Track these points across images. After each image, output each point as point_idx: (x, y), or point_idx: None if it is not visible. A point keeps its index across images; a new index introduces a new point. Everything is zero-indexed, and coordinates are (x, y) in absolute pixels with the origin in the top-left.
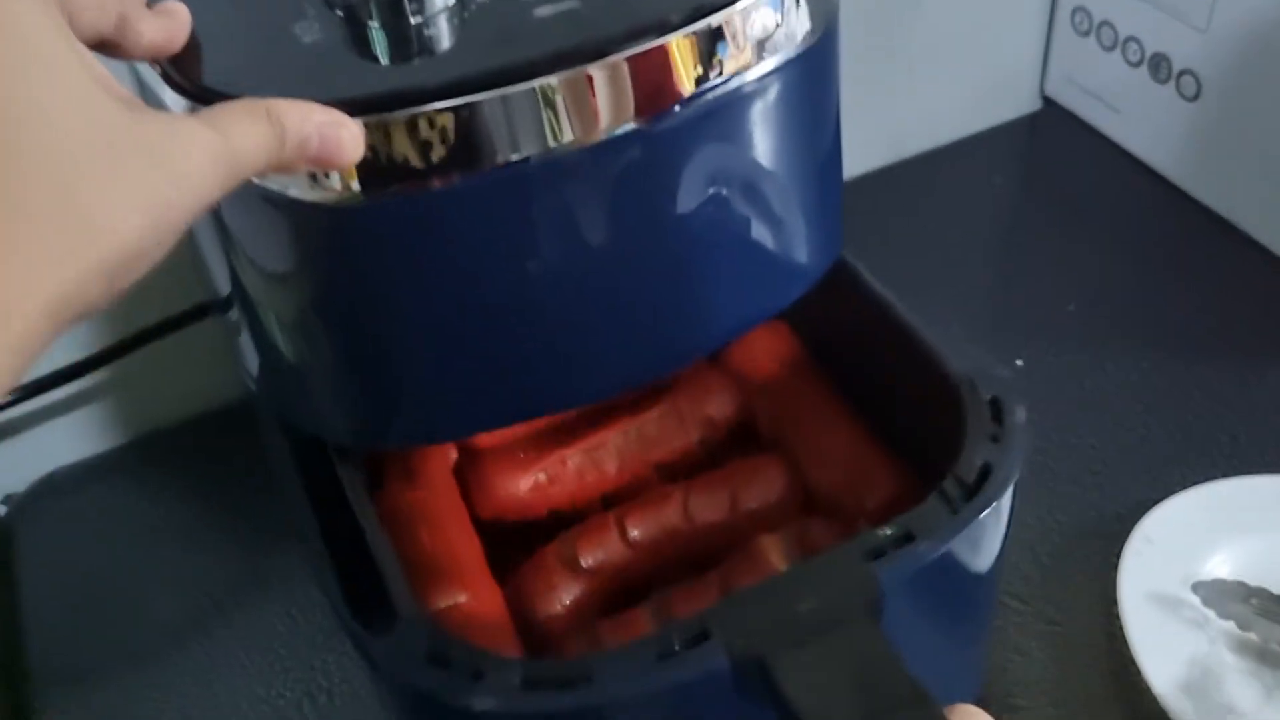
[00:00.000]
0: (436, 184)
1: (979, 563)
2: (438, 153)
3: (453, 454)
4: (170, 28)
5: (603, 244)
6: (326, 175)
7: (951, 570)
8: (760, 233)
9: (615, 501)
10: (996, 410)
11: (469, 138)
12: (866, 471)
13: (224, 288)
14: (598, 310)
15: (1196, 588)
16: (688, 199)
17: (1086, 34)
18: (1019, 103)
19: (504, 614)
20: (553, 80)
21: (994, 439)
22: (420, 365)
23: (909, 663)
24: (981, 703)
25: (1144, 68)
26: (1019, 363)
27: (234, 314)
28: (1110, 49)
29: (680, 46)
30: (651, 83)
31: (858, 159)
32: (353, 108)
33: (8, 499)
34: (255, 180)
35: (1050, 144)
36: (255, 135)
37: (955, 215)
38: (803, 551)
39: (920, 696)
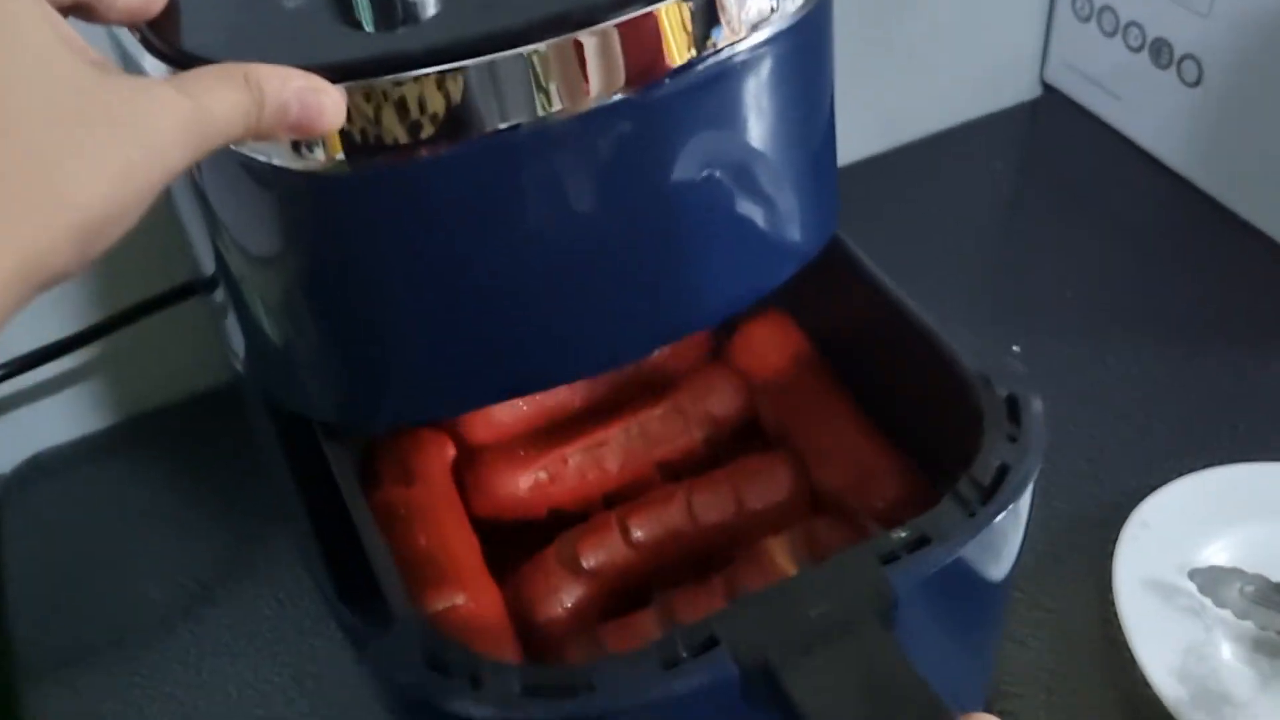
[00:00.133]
0: (422, 153)
1: (994, 567)
2: (423, 121)
3: (450, 451)
4: None
5: (592, 216)
6: (310, 145)
7: (966, 575)
8: (753, 207)
9: (617, 501)
10: (1013, 408)
11: (455, 105)
12: (875, 471)
13: (209, 265)
14: (587, 284)
15: (1193, 575)
16: (678, 171)
17: (1087, 19)
18: (1019, 89)
19: (503, 616)
20: (541, 47)
21: (1011, 439)
22: (406, 339)
23: (918, 670)
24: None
25: (1145, 53)
26: (1016, 349)
27: (219, 293)
28: (1111, 34)
29: (671, 14)
30: (642, 51)
31: (856, 145)
32: (335, 74)
33: None
34: (237, 149)
35: (1050, 131)
36: (231, 101)
37: (954, 202)
38: (810, 553)
39: (935, 707)
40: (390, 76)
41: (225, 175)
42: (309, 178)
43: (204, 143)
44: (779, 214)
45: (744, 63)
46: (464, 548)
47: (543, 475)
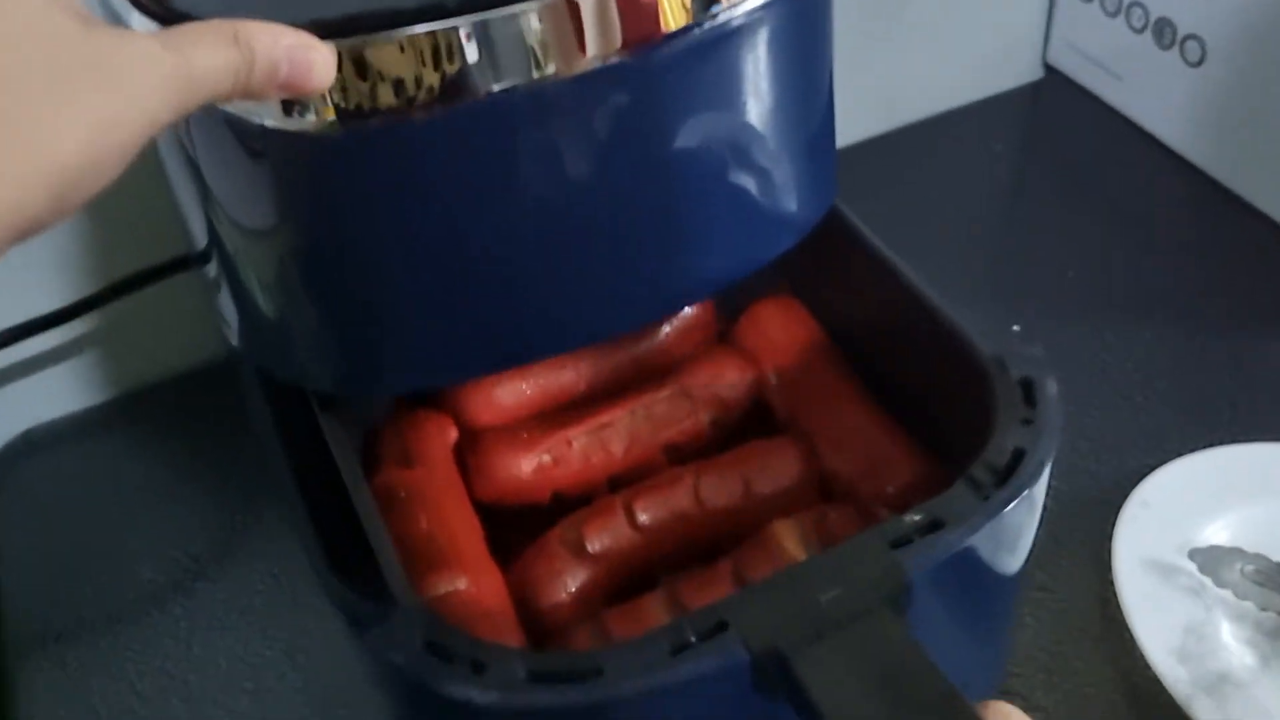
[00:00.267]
0: (414, 114)
1: (1008, 553)
2: (415, 81)
3: (452, 433)
4: None
5: (586, 183)
6: (302, 106)
7: (980, 561)
8: (749, 176)
9: (622, 485)
10: (1028, 391)
11: (447, 65)
12: (886, 456)
13: (201, 236)
14: (582, 252)
15: (1193, 554)
16: (674, 137)
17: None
18: (1020, 71)
19: (505, 601)
20: (535, 5)
21: (1026, 422)
22: (400, 305)
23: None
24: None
25: (1148, 33)
26: (1015, 329)
27: (212, 265)
28: (1113, 14)
29: None
30: (639, 13)
31: (856, 125)
32: (325, 31)
33: None
34: (228, 110)
35: (1052, 112)
36: (219, 59)
37: (955, 184)
38: (819, 539)
39: (951, 694)
40: (381, 34)
41: (216, 138)
42: (301, 139)
43: (189, 99)
44: (776, 184)
45: (742, 28)
46: (465, 531)
47: (546, 458)
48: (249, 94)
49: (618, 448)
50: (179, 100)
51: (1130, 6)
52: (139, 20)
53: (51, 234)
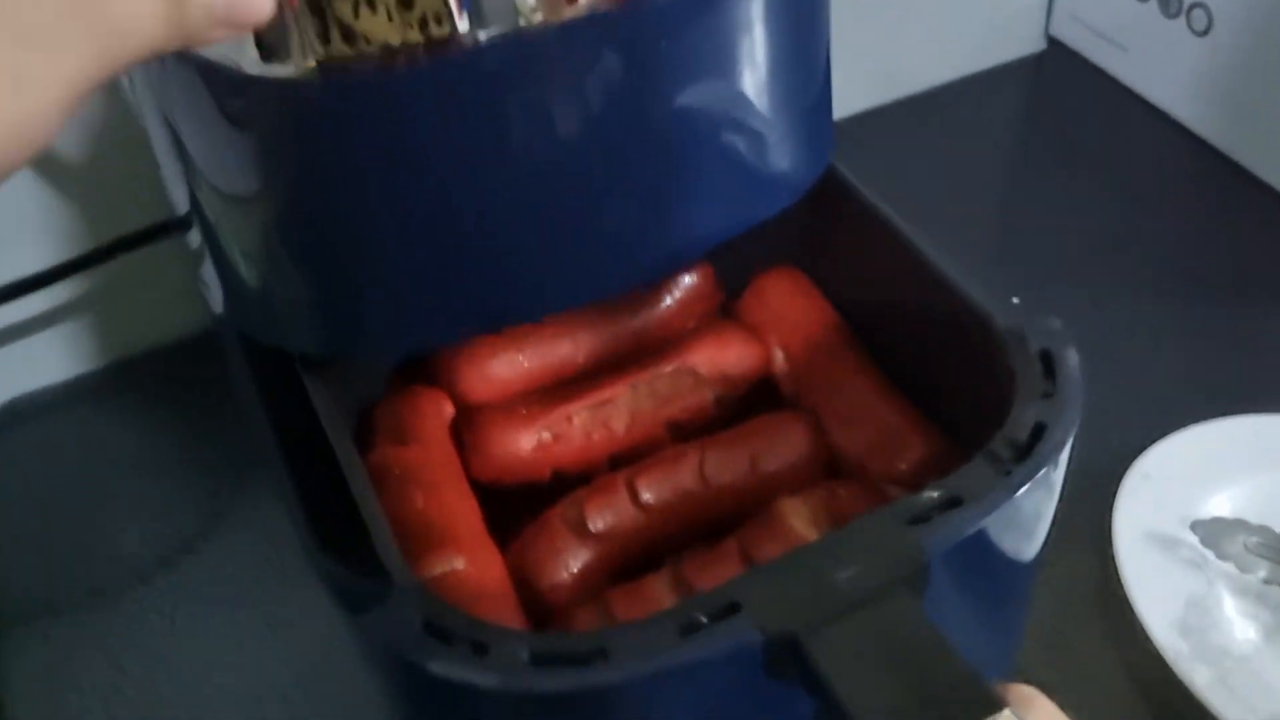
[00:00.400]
0: (394, 61)
1: (1029, 532)
2: (393, 26)
3: (449, 410)
4: None
5: (574, 135)
6: (282, 53)
7: (1000, 540)
8: (742, 133)
9: (624, 463)
10: (1048, 364)
11: (429, 9)
12: (896, 432)
13: (181, 197)
14: (569, 206)
15: (1195, 526)
16: (665, 89)
17: None
18: (1023, 42)
19: (505, 582)
20: None
21: (1046, 395)
22: (381, 261)
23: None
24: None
25: (1153, 2)
26: (1015, 300)
27: (193, 227)
28: None
29: None
30: None
31: (857, 96)
32: None
33: None
34: (206, 55)
35: (1055, 85)
36: (143, 4)
37: (956, 156)
38: (828, 517)
39: (973, 677)
40: None
41: (192, 89)
42: (279, 87)
43: (117, 54)
44: (770, 141)
45: None
46: (463, 509)
47: (546, 435)
48: (189, 38)
49: (619, 424)
50: (103, 57)
51: None
52: None
53: (37, 197)
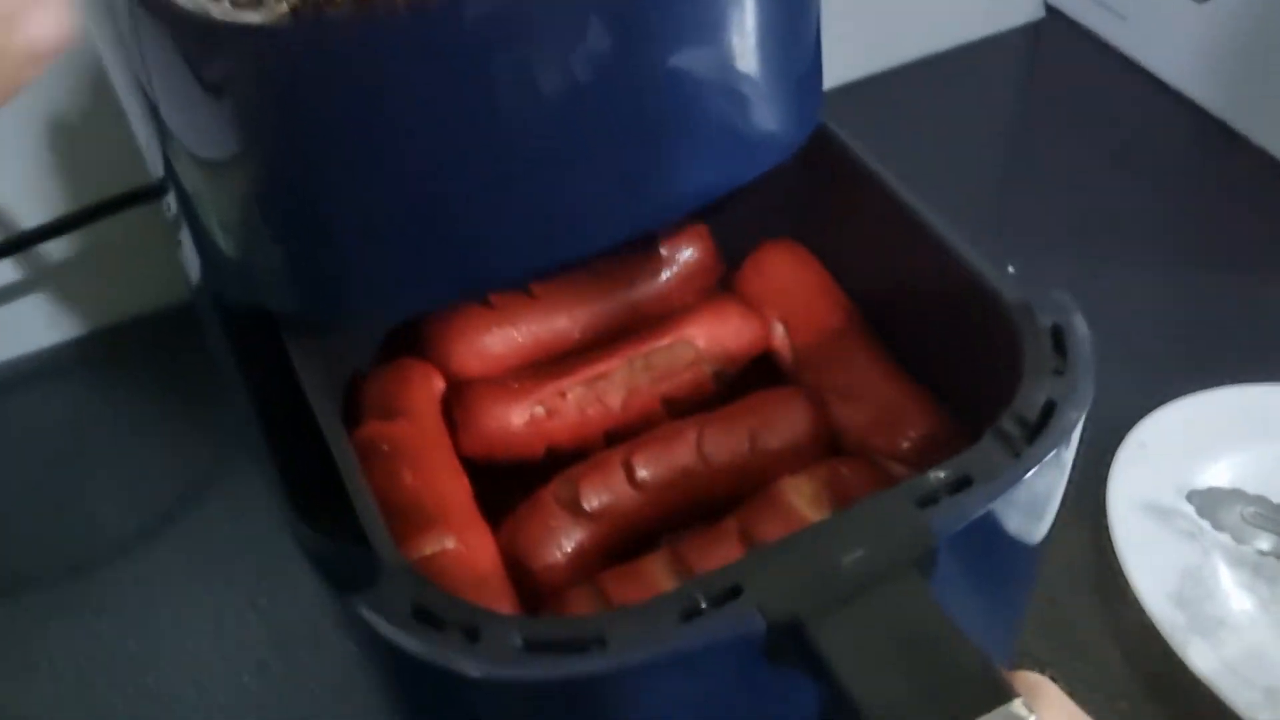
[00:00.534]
0: (369, 7)
1: (1040, 512)
2: None
3: (438, 384)
4: None
5: (554, 87)
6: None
7: (1010, 521)
8: (729, 86)
9: (620, 439)
10: (1059, 339)
11: None
12: (900, 408)
13: (154, 155)
14: (553, 160)
15: (1191, 497)
16: (646, 43)
17: None
18: (1021, 10)
19: (496, 562)
20: None
21: (1057, 372)
22: (359, 216)
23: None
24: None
25: None
26: (1010, 269)
27: (169, 189)
28: None
29: None
30: None
31: (854, 65)
32: None
33: None
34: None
35: (1053, 54)
36: None
37: (953, 124)
38: (831, 496)
39: (982, 664)
40: None
41: (163, 40)
42: (252, 33)
43: None
44: (755, 100)
45: None
46: (453, 487)
47: (539, 410)
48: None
49: (615, 400)
50: None
51: None
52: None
53: (14, 159)
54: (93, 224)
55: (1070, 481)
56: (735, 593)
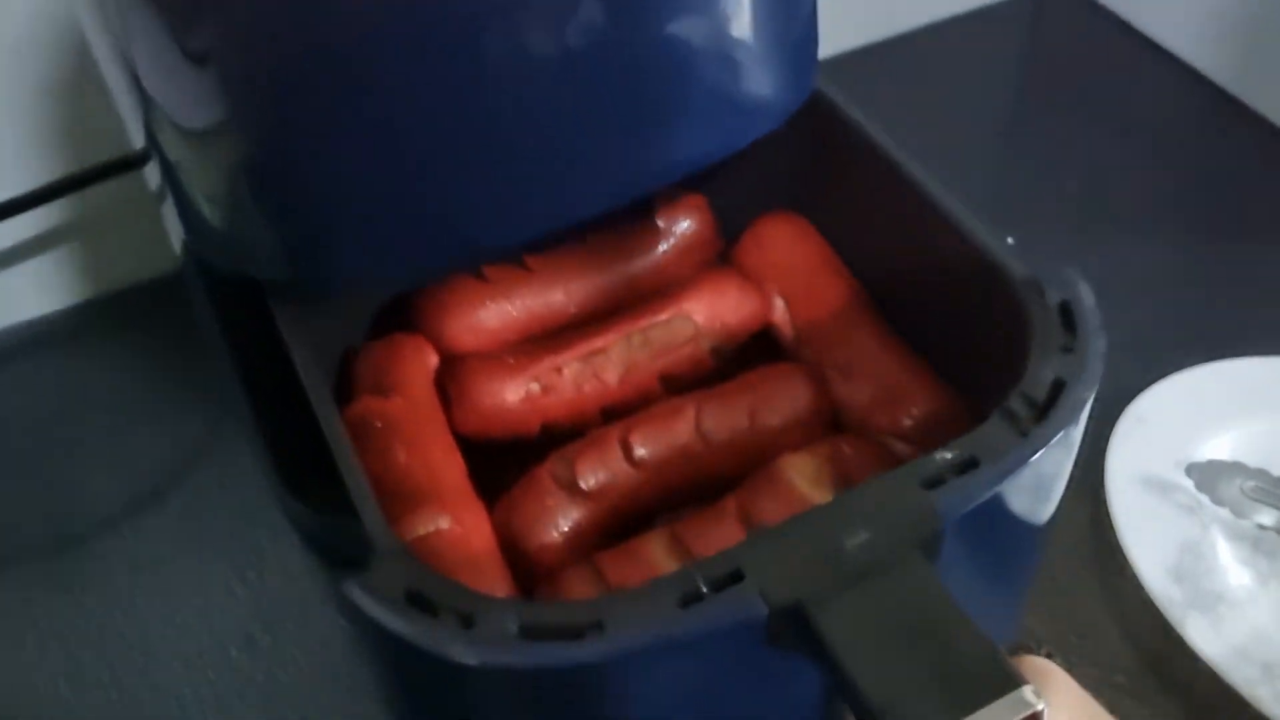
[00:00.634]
0: None
1: (1046, 494)
2: None
3: (432, 359)
4: None
5: (544, 47)
6: None
7: (1017, 502)
8: (720, 51)
9: (616, 416)
10: (1067, 316)
11: None
12: (902, 384)
13: (138, 127)
14: (540, 125)
15: (1191, 470)
16: (637, 2)
17: None
18: None
19: (491, 542)
20: None
21: (1066, 350)
22: (344, 178)
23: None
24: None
25: None
26: (1010, 240)
27: (152, 165)
28: None
29: None
30: None
31: (851, 33)
32: None
33: None
34: None
35: (1054, 21)
36: None
37: (952, 94)
38: (833, 475)
39: (989, 652)
40: None
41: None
42: None
43: None
44: (748, 65)
45: None
46: (447, 465)
47: (534, 386)
48: None
49: (612, 376)
50: None
51: None
52: None
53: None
54: (82, 191)
55: None
56: (736, 577)
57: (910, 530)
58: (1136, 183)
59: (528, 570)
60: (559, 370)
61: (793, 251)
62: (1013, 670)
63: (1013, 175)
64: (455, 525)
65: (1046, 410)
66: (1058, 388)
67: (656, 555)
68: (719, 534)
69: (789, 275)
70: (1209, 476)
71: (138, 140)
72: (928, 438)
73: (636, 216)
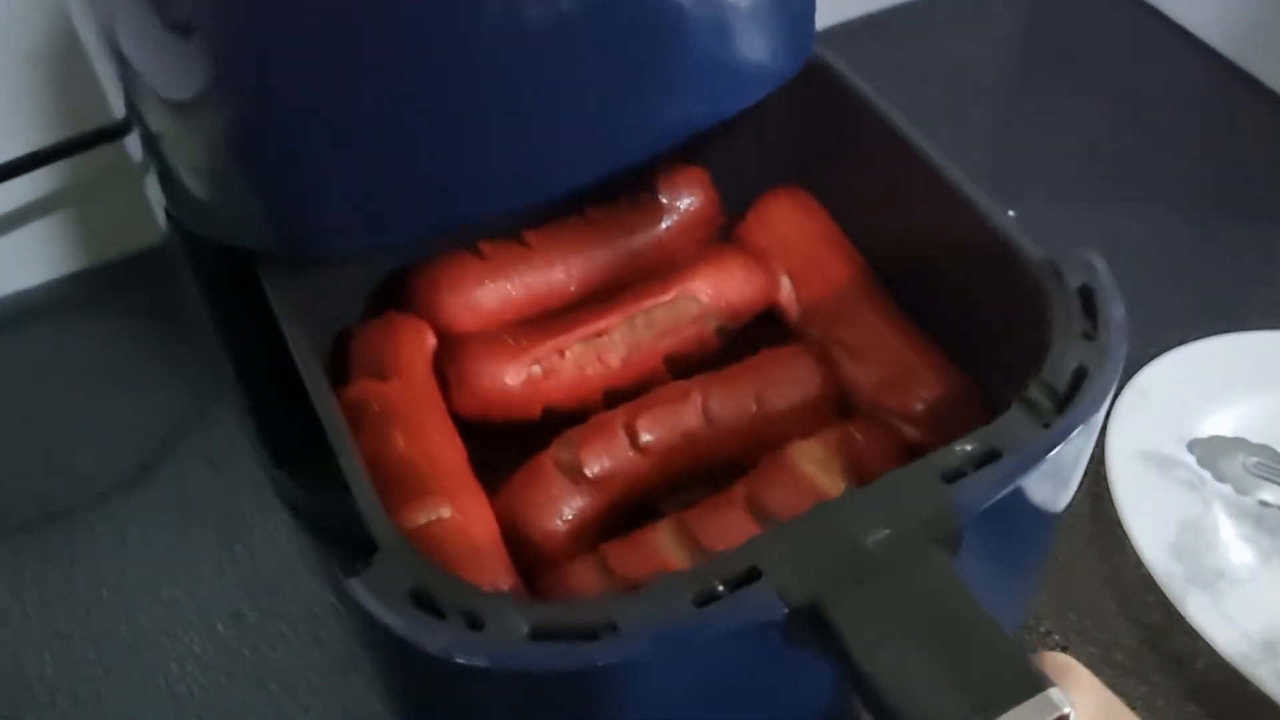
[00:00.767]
0: None
1: (1065, 484)
2: None
3: (430, 341)
4: None
5: (534, 10)
6: None
7: (1037, 493)
8: (714, 16)
9: (620, 399)
10: (1088, 301)
11: None
12: (912, 367)
13: (118, 96)
14: (531, 89)
15: (1193, 446)
16: None
17: None
18: None
19: (494, 531)
20: None
21: (1087, 336)
22: (334, 145)
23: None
24: None
25: None
26: (1010, 214)
27: (134, 136)
28: None
29: None
30: None
31: (849, 3)
32: None
33: None
34: None
35: None
36: None
37: (952, 65)
38: (844, 461)
39: (1010, 650)
40: None
41: None
42: None
43: None
44: (743, 29)
45: None
46: (447, 451)
47: (536, 369)
48: None
49: (615, 358)
50: None
51: None
52: None
53: None
54: (68, 162)
55: None
56: (753, 575)
57: (930, 526)
58: (1140, 155)
59: (530, 559)
60: (561, 352)
61: (798, 228)
62: (1038, 671)
63: (1017, 147)
64: (456, 514)
65: (1068, 400)
66: (1080, 376)
67: (664, 545)
68: (727, 523)
69: (794, 253)
70: (1211, 452)
71: (119, 110)
72: (939, 421)
73: (636, 190)
